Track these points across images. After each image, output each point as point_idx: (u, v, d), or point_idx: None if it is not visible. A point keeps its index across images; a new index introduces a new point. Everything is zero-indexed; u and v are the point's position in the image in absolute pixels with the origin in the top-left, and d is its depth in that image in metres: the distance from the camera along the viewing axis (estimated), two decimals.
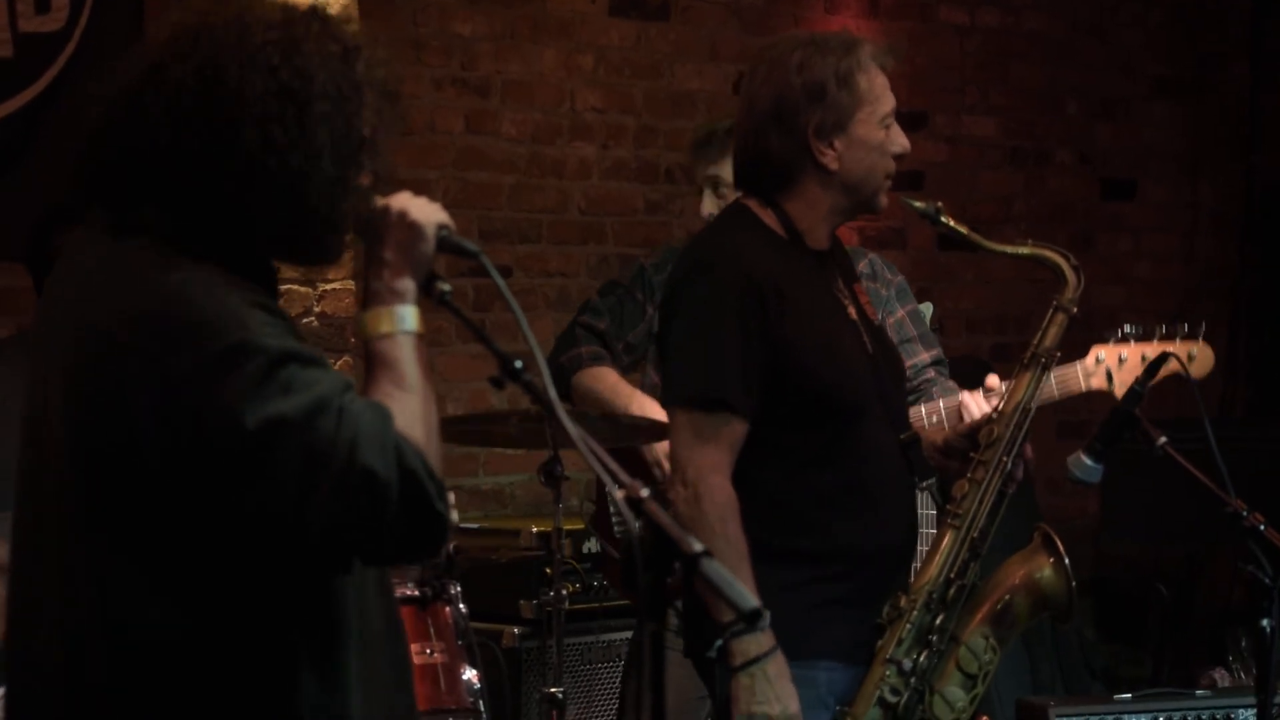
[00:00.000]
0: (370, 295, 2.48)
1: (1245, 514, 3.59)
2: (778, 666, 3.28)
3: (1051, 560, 3.53)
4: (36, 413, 2.48)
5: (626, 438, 4.65)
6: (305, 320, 5.53)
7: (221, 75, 2.38)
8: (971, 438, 3.57)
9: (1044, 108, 8.27)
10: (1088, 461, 3.67)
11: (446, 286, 2.51)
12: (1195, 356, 4.29)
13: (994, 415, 3.57)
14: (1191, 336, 4.30)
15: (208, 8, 2.46)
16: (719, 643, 3.27)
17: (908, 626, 3.43)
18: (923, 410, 4.41)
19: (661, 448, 4.60)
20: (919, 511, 3.71)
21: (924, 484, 3.63)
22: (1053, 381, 4.30)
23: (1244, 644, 6.01)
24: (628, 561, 4.88)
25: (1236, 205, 8.56)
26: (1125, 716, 4.67)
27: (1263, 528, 3.58)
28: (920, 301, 4.90)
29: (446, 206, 2.56)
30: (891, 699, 3.40)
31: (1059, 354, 3.64)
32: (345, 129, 2.43)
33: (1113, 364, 4.31)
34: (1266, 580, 3.57)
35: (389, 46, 2.55)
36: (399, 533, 2.31)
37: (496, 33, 6.76)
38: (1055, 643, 6.85)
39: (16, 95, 5.40)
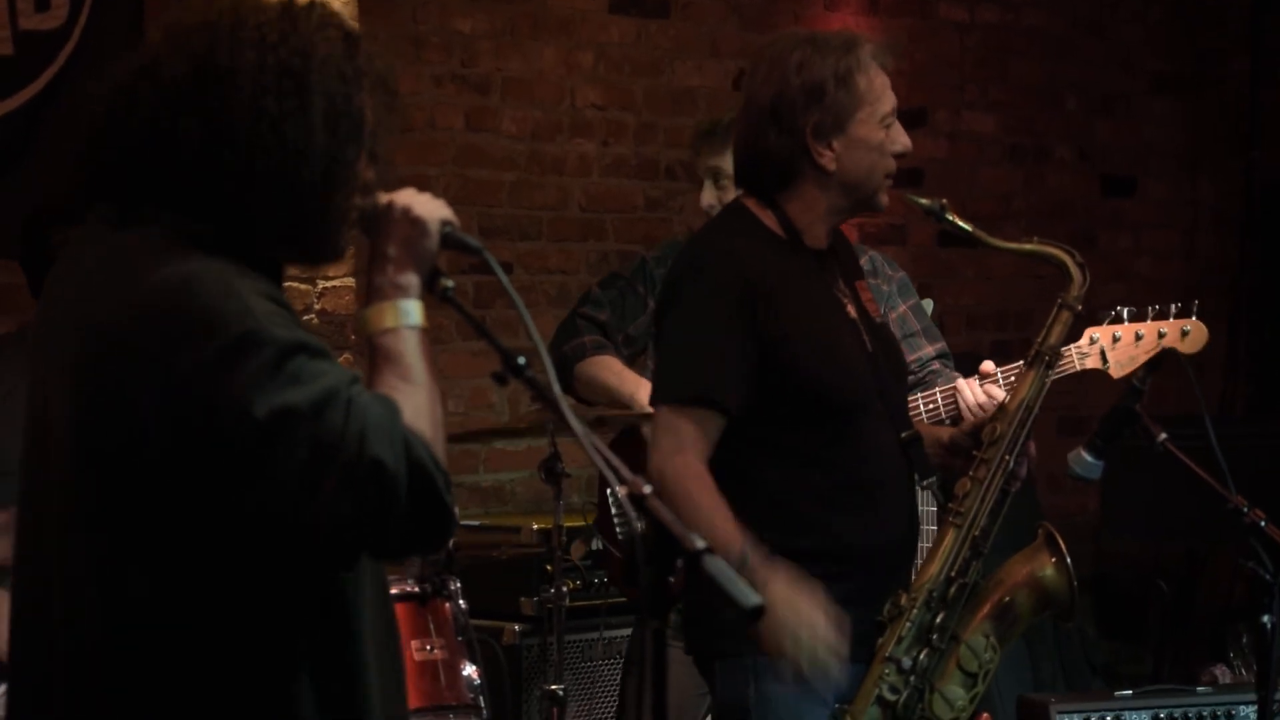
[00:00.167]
0: (374, 290, 2.48)
1: (1246, 510, 3.60)
2: (771, 581, 3.25)
3: (1053, 559, 3.53)
4: (37, 411, 2.48)
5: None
6: (305, 317, 5.52)
7: (212, 56, 2.38)
8: (975, 436, 3.57)
9: (1044, 104, 8.27)
10: (1088, 458, 3.67)
11: (449, 282, 2.51)
12: (1189, 332, 4.30)
13: (998, 413, 3.57)
14: (1185, 315, 4.31)
15: (205, 6, 2.46)
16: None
17: (908, 625, 3.43)
18: (918, 398, 4.42)
19: None
20: (920, 510, 3.71)
21: (925, 482, 3.63)
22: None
23: (1245, 640, 6.01)
24: (629, 559, 4.90)
25: (1237, 202, 8.56)
26: (1126, 713, 4.68)
27: (1263, 524, 3.59)
28: (921, 298, 4.90)
29: (447, 204, 2.56)
30: (890, 697, 3.40)
31: (1071, 361, 3.64)
32: (345, 106, 2.42)
33: (1107, 344, 4.32)
34: (1267, 577, 3.57)
35: (387, 45, 2.55)
36: (407, 525, 2.31)
37: (496, 30, 6.76)
38: (1056, 640, 6.86)
39: (16, 93, 5.40)
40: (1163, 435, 3.62)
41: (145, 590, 2.36)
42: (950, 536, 3.49)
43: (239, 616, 2.38)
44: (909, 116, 3.59)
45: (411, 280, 2.48)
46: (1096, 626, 7.65)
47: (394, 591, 4.27)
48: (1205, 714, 4.69)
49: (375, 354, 2.45)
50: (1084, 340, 4.33)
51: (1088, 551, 7.34)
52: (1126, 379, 3.78)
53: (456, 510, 2.42)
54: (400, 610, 4.18)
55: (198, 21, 2.44)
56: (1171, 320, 4.31)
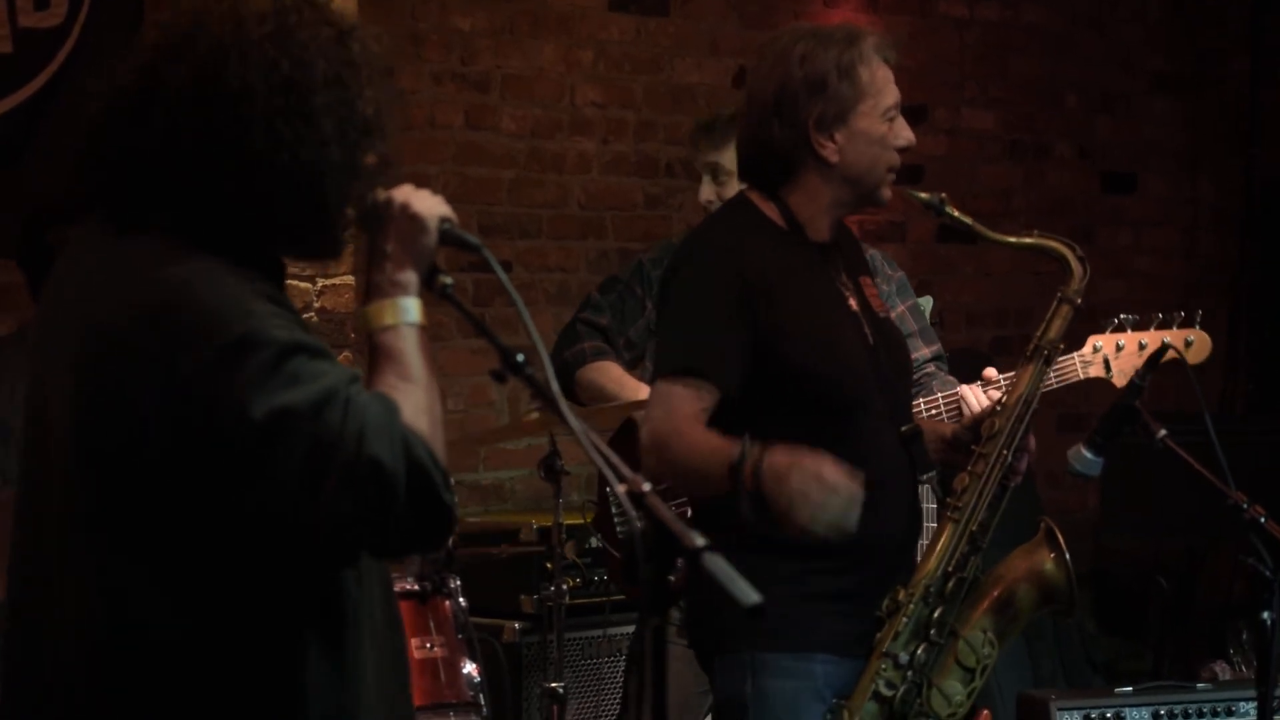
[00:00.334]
0: (373, 288, 2.48)
1: (1245, 507, 3.60)
2: (772, 453, 3.23)
3: (1053, 555, 3.53)
4: (37, 412, 2.48)
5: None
6: (305, 316, 5.52)
7: (220, 76, 2.38)
8: (975, 431, 3.57)
9: (1043, 101, 8.27)
10: (1088, 455, 3.67)
11: (448, 279, 2.51)
12: (1193, 343, 4.30)
13: (997, 408, 3.57)
14: (1188, 324, 4.31)
15: (200, 5, 2.46)
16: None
17: (905, 620, 3.43)
18: (920, 403, 4.42)
19: None
20: (922, 507, 3.71)
21: (924, 478, 3.62)
22: (1050, 372, 4.31)
23: (1244, 637, 6.01)
24: (629, 557, 4.90)
25: (1236, 200, 8.56)
26: (1126, 709, 4.68)
27: (1263, 520, 3.58)
28: (920, 294, 4.90)
29: (446, 201, 2.56)
30: (887, 692, 3.40)
31: (1063, 346, 3.64)
32: (349, 113, 2.42)
33: (1110, 352, 4.32)
34: (1267, 573, 3.57)
35: (380, 28, 2.55)
36: (406, 523, 2.31)
37: (496, 27, 6.76)
38: (1056, 637, 6.86)
39: (16, 91, 5.40)
40: (1162, 432, 3.61)
41: (145, 590, 2.36)
42: (948, 531, 3.49)
43: (239, 616, 2.38)
44: (909, 113, 3.60)
45: (410, 278, 2.48)
46: (1096, 623, 7.66)
47: (394, 589, 4.28)
48: (1205, 710, 4.69)
49: (374, 352, 2.45)
50: (1087, 348, 4.32)
51: (1087, 548, 7.34)
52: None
53: (456, 507, 2.42)
54: (400, 608, 4.18)
55: (196, 23, 2.43)
56: (1175, 330, 4.30)
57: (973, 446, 3.54)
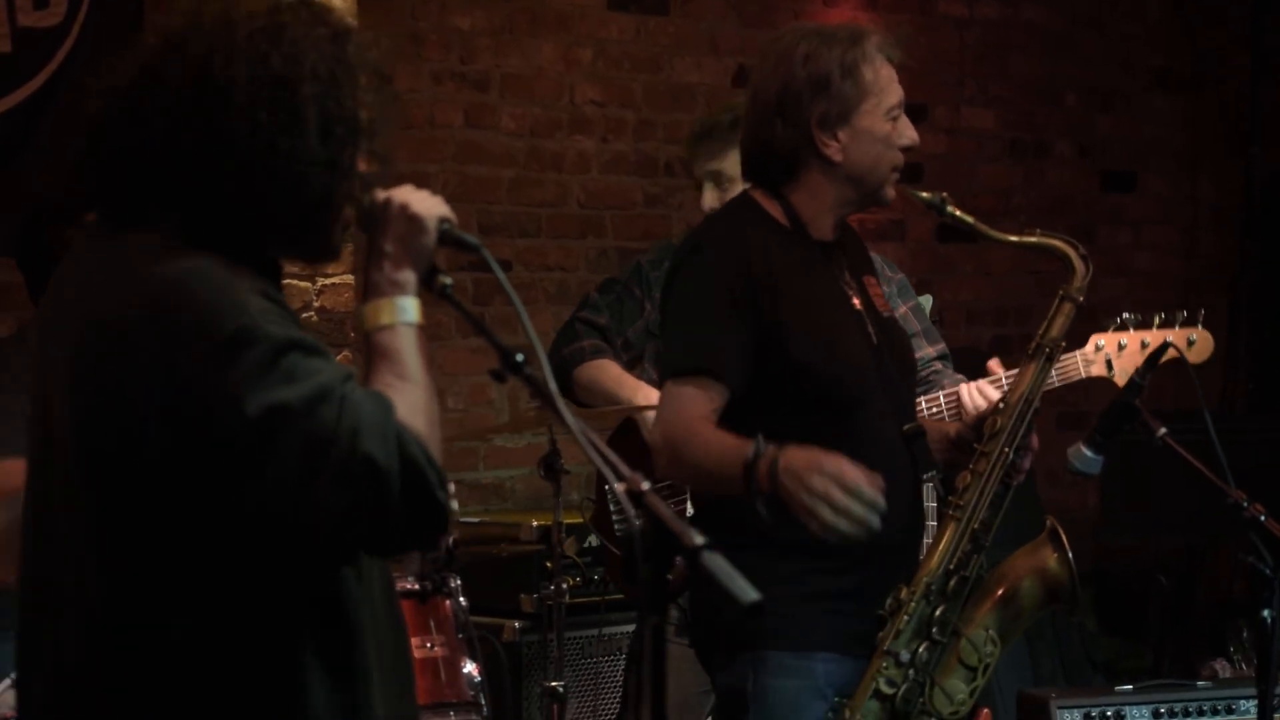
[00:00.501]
0: (371, 287, 2.48)
1: (1245, 505, 3.60)
2: (790, 455, 3.22)
3: (1056, 554, 3.53)
4: (40, 409, 2.48)
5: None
6: (305, 315, 5.52)
7: (209, 69, 2.38)
8: (978, 430, 3.57)
9: (1043, 100, 8.27)
10: (1087, 453, 3.66)
11: (448, 279, 2.51)
12: (1195, 342, 4.30)
13: (1000, 406, 3.57)
14: (1190, 323, 4.31)
15: (197, 7, 2.46)
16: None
17: (907, 618, 3.43)
18: (922, 402, 4.42)
19: None
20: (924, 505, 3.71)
21: (926, 477, 3.62)
22: (1052, 370, 4.31)
23: (1245, 635, 6.01)
24: (628, 556, 4.90)
25: (1236, 199, 8.56)
26: (1126, 708, 4.67)
27: (1263, 519, 3.58)
28: (920, 293, 4.90)
29: (445, 201, 2.56)
30: (888, 690, 3.40)
31: (1064, 344, 3.64)
32: (338, 110, 2.42)
33: (1112, 351, 4.32)
34: (1267, 571, 3.57)
35: (383, 34, 2.55)
36: (401, 522, 2.31)
37: (495, 27, 6.76)
38: (1056, 635, 6.86)
39: (15, 90, 5.40)
40: (1162, 430, 3.61)
41: (146, 589, 2.37)
42: (950, 530, 3.48)
43: (240, 615, 2.38)
44: (908, 112, 3.60)
45: (409, 277, 2.48)
46: (1096, 622, 7.66)
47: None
48: (1205, 708, 4.69)
49: (371, 350, 2.45)
50: (1089, 347, 4.32)
51: (1087, 547, 7.33)
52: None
53: (455, 505, 2.42)
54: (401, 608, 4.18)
55: (191, 25, 2.44)
56: (1177, 329, 4.30)
57: (975, 445, 3.54)
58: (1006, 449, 3.50)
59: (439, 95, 6.62)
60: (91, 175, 2.47)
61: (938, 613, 3.44)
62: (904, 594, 3.44)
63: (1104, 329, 4.31)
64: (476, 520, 5.96)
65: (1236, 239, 8.54)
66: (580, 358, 4.82)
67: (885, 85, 3.52)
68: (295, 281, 5.48)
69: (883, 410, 3.51)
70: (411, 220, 2.49)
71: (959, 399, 4.37)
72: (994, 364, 4.28)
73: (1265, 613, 3.59)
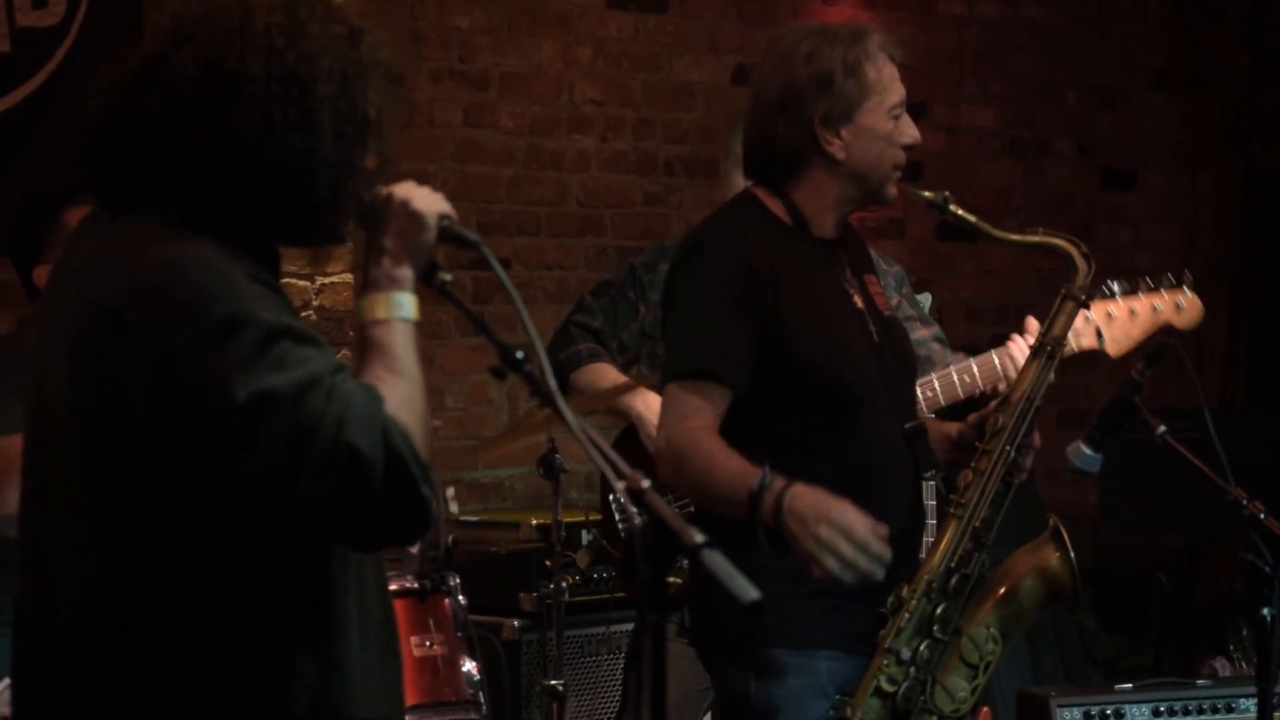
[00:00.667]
0: (369, 282, 2.49)
1: (1245, 503, 3.60)
2: (796, 496, 3.22)
3: (1058, 552, 3.52)
4: (37, 403, 2.49)
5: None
6: (304, 313, 5.52)
7: (222, 59, 2.39)
8: (980, 428, 3.56)
9: (1043, 98, 8.26)
10: (1087, 451, 3.66)
11: (447, 276, 2.51)
12: (1183, 306, 4.29)
13: (1001, 404, 3.56)
14: (1177, 288, 4.30)
15: None
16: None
17: (908, 616, 3.42)
18: (952, 369, 4.37)
19: None
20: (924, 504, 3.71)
21: (928, 475, 3.62)
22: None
23: (1245, 633, 6.01)
24: (629, 554, 4.89)
25: (1236, 197, 8.56)
26: (1126, 706, 4.67)
27: (1263, 516, 3.58)
28: (920, 292, 4.90)
29: (446, 199, 2.56)
30: (889, 688, 3.40)
31: (1066, 343, 3.63)
32: (350, 110, 2.43)
33: (1102, 321, 4.30)
34: (1267, 569, 3.57)
35: (393, 32, 2.55)
36: (382, 513, 2.31)
37: (494, 25, 6.76)
38: (1057, 634, 6.85)
39: (14, 90, 5.40)
40: (1162, 428, 3.61)
41: (135, 577, 2.38)
42: (952, 528, 3.48)
43: (229, 605, 2.39)
44: (908, 110, 3.59)
45: (406, 273, 2.48)
46: (1096, 620, 7.66)
47: (393, 588, 4.28)
48: (1205, 707, 4.68)
49: (365, 344, 2.46)
50: (1079, 320, 4.31)
51: (1087, 545, 7.33)
52: (1126, 372, 3.77)
53: (452, 494, 2.42)
54: (399, 606, 4.18)
55: (204, 13, 2.44)
56: (1166, 294, 4.30)
57: (976, 443, 3.54)
58: (1008, 447, 3.50)
59: (438, 94, 6.62)
60: (92, 159, 2.47)
61: (939, 611, 3.44)
62: (905, 592, 3.44)
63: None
64: (475, 519, 5.96)
65: (1236, 237, 8.54)
66: (577, 362, 4.82)
67: (888, 83, 3.53)
68: (294, 280, 5.48)
69: (884, 408, 3.51)
70: (412, 216, 2.49)
71: (1008, 358, 4.31)
72: (1031, 321, 4.25)
73: (1265, 611, 3.59)
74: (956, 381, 4.39)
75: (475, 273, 6.31)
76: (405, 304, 2.47)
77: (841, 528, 3.17)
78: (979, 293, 8.01)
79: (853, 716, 3.39)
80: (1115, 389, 3.72)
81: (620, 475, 2.27)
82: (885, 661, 3.41)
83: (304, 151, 2.39)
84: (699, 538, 2.18)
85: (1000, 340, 4.47)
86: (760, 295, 3.42)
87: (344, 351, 5.47)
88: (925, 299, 4.87)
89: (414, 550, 4.54)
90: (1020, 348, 4.33)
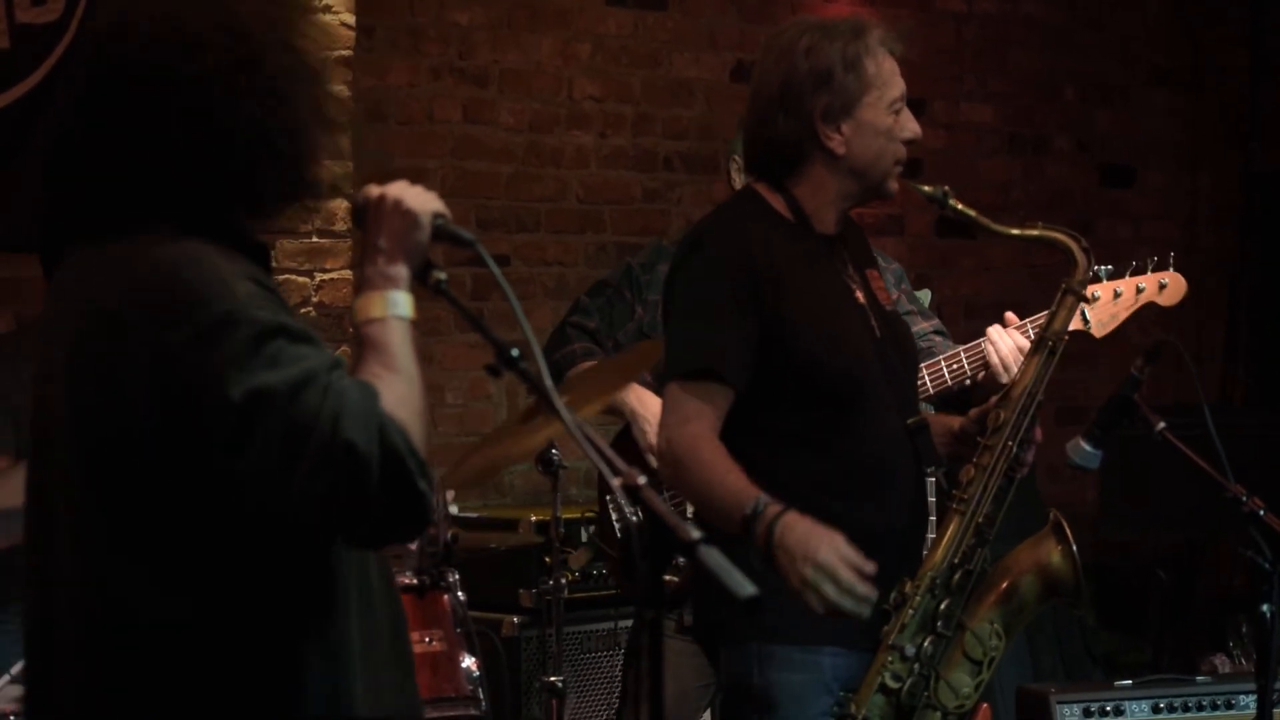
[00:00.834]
0: (364, 281, 2.49)
1: (1245, 499, 3.59)
2: (786, 529, 3.23)
3: (1060, 548, 3.52)
4: (39, 406, 2.49)
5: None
6: (303, 310, 5.52)
7: (178, 67, 2.40)
8: (982, 423, 3.56)
9: (1042, 95, 8.26)
10: (1086, 447, 3.66)
11: (443, 275, 2.51)
12: (1166, 285, 4.31)
13: (1002, 399, 3.56)
14: (1162, 267, 4.31)
15: (125, 18, 2.49)
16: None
17: (911, 612, 3.42)
18: (941, 361, 4.38)
19: (653, 438, 4.60)
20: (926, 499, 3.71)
21: (930, 470, 3.62)
22: (1029, 328, 4.30)
23: (1244, 630, 6.02)
24: (626, 551, 4.89)
25: (1235, 195, 8.56)
26: (1126, 703, 4.67)
27: (1262, 513, 3.58)
28: (919, 288, 4.90)
29: (444, 196, 2.56)
30: (893, 684, 3.40)
31: (1068, 338, 3.63)
32: (300, 68, 2.44)
33: (1085, 303, 4.30)
34: (1266, 566, 3.57)
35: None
36: (380, 509, 2.31)
37: (494, 22, 6.76)
38: (1056, 630, 6.85)
39: (14, 86, 5.40)
40: (1161, 424, 3.61)
41: (137, 576, 2.37)
42: (954, 524, 3.48)
43: (232, 602, 2.38)
44: (908, 106, 3.59)
45: (401, 272, 2.48)
46: (1096, 616, 7.65)
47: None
48: (1205, 703, 4.69)
49: (361, 343, 2.46)
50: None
51: (1087, 541, 7.29)
52: (1126, 369, 3.77)
53: (452, 495, 2.42)
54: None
55: (129, 29, 2.45)
56: (1149, 274, 4.32)
57: (978, 439, 3.54)
58: (1010, 442, 3.50)
59: (438, 90, 6.62)
60: (64, 197, 2.48)
61: (942, 606, 3.44)
62: (908, 588, 3.44)
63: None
64: (475, 515, 5.96)
65: (1235, 235, 8.54)
66: (572, 361, 4.82)
67: (888, 78, 3.52)
68: (293, 277, 5.48)
69: (886, 403, 3.51)
70: (405, 216, 2.49)
71: (988, 344, 4.32)
72: (1010, 316, 4.27)
73: (1265, 607, 3.59)
74: (945, 370, 4.40)
75: (474, 270, 6.31)
76: (401, 302, 2.47)
77: (827, 570, 3.18)
78: (978, 289, 8.01)
79: (857, 712, 3.39)
80: (1115, 386, 3.72)
81: (616, 472, 2.27)
82: (889, 657, 3.41)
83: (278, 125, 2.41)
84: (696, 534, 2.18)
85: None
86: (761, 292, 3.41)
87: (343, 348, 5.47)
88: (924, 295, 4.87)
89: (413, 547, 4.54)
90: (998, 331, 4.34)
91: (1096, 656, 7.07)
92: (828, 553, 3.19)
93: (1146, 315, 4.46)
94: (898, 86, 3.53)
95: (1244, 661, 5.89)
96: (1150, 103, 8.56)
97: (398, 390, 2.38)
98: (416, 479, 2.32)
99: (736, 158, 4.65)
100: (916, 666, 3.41)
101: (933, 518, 3.90)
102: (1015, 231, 3.64)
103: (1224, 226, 8.59)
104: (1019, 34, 8.20)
